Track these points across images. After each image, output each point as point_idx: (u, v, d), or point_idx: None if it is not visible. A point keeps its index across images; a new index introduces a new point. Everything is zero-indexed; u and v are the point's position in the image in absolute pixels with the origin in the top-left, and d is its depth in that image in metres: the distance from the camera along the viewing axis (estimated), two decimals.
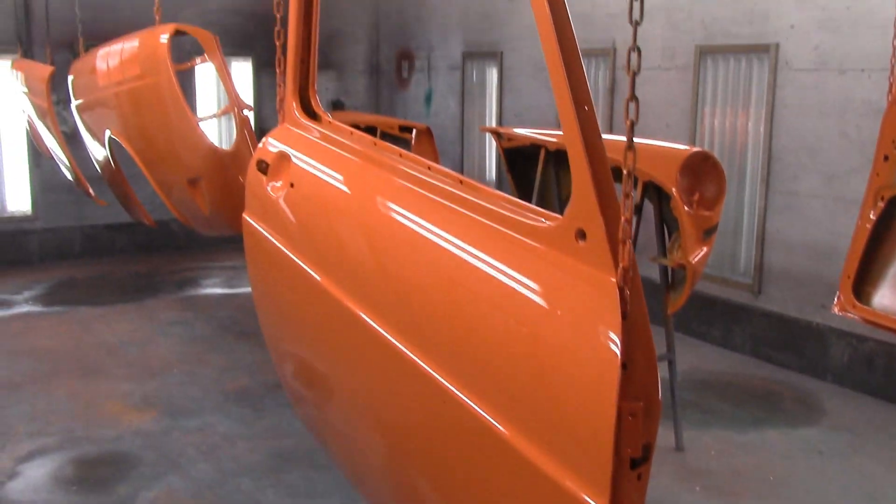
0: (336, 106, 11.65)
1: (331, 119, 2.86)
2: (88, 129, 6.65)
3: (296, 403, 3.46)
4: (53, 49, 9.73)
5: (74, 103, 6.74)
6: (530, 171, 5.74)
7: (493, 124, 9.72)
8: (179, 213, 6.36)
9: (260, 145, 3.12)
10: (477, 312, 1.89)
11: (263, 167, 2.99)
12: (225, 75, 4.64)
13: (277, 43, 5.56)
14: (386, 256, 2.31)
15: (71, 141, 8.45)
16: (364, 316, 2.30)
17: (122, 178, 7.14)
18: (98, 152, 7.10)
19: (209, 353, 7.02)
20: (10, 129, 9.96)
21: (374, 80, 11.99)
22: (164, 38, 4.82)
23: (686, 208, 4.37)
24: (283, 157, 2.95)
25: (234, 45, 10.94)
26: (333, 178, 2.69)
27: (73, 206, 10.31)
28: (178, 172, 5.35)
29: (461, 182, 2.08)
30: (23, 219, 10.11)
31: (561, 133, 2.66)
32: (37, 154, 10.02)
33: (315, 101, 3.05)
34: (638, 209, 4.95)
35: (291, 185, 2.83)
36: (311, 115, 2.99)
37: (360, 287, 2.36)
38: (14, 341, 7.27)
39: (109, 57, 5.18)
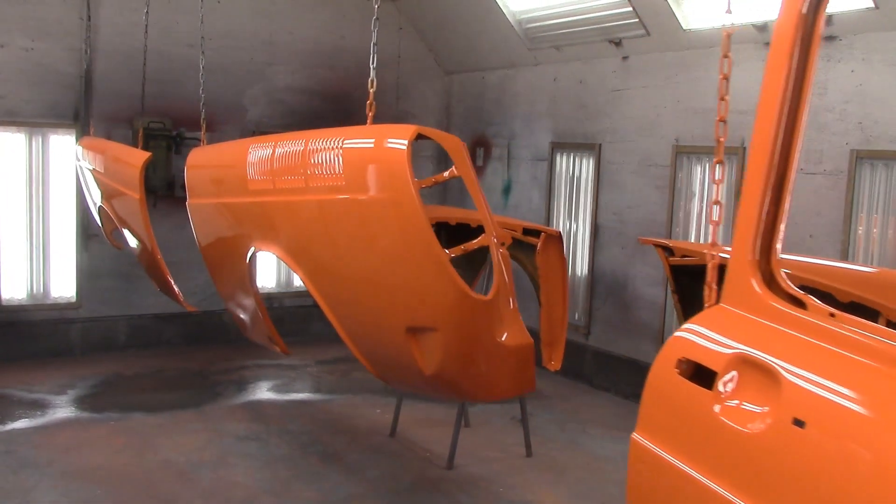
0: None
1: (821, 305, 1.96)
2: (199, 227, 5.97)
3: None
4: (111, 124, 9.06)
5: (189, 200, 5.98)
6: (698, 290, 4.89)
7: (588, 220, 8.95)
8: (370, 363, 4.52)
9: (681, 334, 2.18)
10: None
11: (689, 370, 2.08)
12: (478, 195, 3.64)
13: (370, 115, 4.81)
14: None
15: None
16: None
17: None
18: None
19: (295, 481, 6.09)
20: (60, 208, 9.18)
21: (443, 168, 11.26)
22: (404, 144, 3.43)
23: None
24: (751, 365, 1.99)
25: (301, 124, 10.25)
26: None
27: (120, 293, 9.48)
28: (398, 317, 3.87)
29: None
30: (66, 306, 9.26)
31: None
32: (86, 236, 9.23)
33: (781, 274, 2.16)
34: None
35: (797, 423, 1.83)
36: (783, 295, 2.08)
37: None
38: (65, 459, 6.34)
39: (288, 156, 4.11)
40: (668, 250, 5.07)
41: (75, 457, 6.40)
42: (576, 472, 6.49)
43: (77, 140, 8.99)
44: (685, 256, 4.94)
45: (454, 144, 3.69)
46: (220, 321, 9.84)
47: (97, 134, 8.49)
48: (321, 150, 3.66)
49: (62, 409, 7.54)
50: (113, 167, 6.23)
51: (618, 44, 8.40)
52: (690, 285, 5.10)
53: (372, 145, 3.54)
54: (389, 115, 10.75)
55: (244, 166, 4.36)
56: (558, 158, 9.36)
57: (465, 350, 3.58)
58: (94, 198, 7.38)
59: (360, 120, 10.79)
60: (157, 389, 8.30)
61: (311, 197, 3.82)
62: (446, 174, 3.79)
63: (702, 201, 7.80)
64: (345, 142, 3.62)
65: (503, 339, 3.74)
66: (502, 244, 3.64)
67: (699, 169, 7.81)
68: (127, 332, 9.58)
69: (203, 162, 5.68)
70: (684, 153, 7.90)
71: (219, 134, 9.86)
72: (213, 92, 9.71)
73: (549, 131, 9.45)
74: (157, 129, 9.38)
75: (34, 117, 8.90)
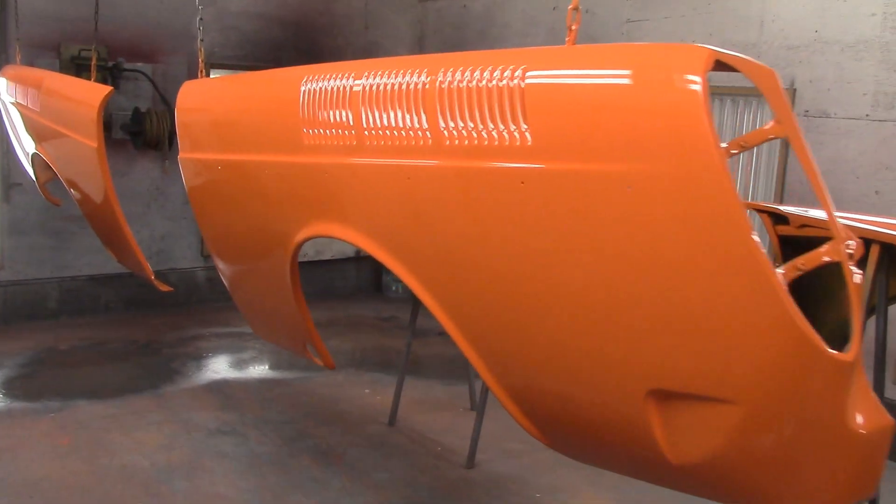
0: None
1: None
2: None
3: None
4: (33, 52, 7.57)
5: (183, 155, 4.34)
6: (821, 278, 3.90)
7: None
8: (543, 427, 2.90)
9: None
10: None
11: None
12: (813, 172, 2.19)
13: (572, 29, 3.17)
14: None
15: None
16: None
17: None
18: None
19: (290, 491, 4.99)
20: None
21: None
22: (696, 80, 1.96)
23: None
24: None
25: (257, 55, 8.91)
26: None
27: (49, 251, 8.10)
28: (635, 371, 2.30)
29: None
30: None
31: None
32: (6, 185, 7.79)
33: None
34: None
35: None
36: None
37: None
38: (1, 468, 5.10)
39: (393, 96, 2.58)
40: (779, 218, 4.07)
41: (10, 464, 5.16)
42: None
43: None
44: (804, 227, 3.95)
45: (770, 81, 2.15)
46: (165, 281, 8.55)
47: (22, 62, 7.02)
48: (473, 86, 2.25)
49: None
50: (55, 105, 4.86)
51: None
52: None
53: (626, 81, 1.98)
54: (358, 45, 9.47)
55: (294, 110, 2.95)
56: None
57: (784, 438, 2.13)
58: (24, 142, 5.99)
59: (328, 53, 9.50)
60: (101, 367, 7.04)
61: (444, 162, 2.38)
62: (768, 130, 2.15)
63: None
64: (533, 73, 2.16)
65: (855, 421, 2.26)
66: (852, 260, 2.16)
67: (734, 113, 6.84)
68: (58, 298, 8.22)
69: (208, 102, 4.09)
70: (715, 94, 6.91)
71: (163, 66, 8.46)
72: (155, 17, 8.30)
73: None
74: (89, 58, 7.92)
75: None
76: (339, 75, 2.78)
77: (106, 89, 4.24)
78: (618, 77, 2.01)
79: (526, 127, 2.16)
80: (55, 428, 5.74)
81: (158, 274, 8.17)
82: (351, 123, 2.71)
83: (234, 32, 8.77)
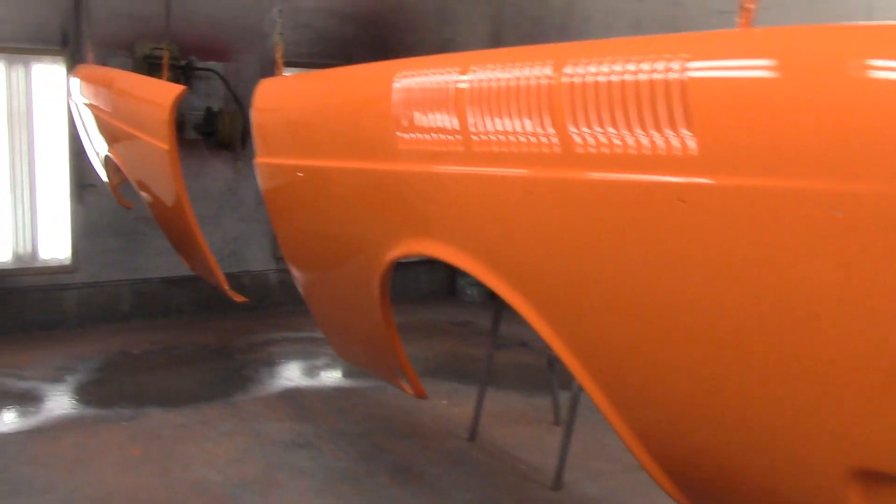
0: None
1: None
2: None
3: None
4: (107, 51, 7.46)
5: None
6: None
7: None
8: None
9: None
10: None
11: None
12: None
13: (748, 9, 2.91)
14: None
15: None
16: None
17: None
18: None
19: None
20: (48, 152, 7.64)
21: None
22: None
23: None
24: None
25: (329, 52, 8.70)
26: None
27: (122, 253, 8.02)
28: (838, 443, 1.77)
29: None
30: (59, 269, 7.79)
31: None
32: (80, 186, 7.72)
33: None
34: None
35: None
36: None
37: None
38: (70, 480, 4.95)
39: (509, 94, 2.21)
40: None
41: (81, 475, 5.01)
42: None
43: (70, 70, 7.43)
44: None
45: None
46: (237, 284, 8.41)
47: (95, 62, 6.92)
48: (616, 81, 1.82)
49: (61, 403, 6.14)
50: (126, 106, 4.68)
51: None
52: None
53: (836, 74, 1.52)
54: (432, 42, 9.20)
55: (385, 111, 2.59)
56: None
57: None
58: (97, 144, 5.86)
59: (401, 50, 9.25)
60: (174, 373, 6.90)
61: (574, 174, 1.97)
62: None
63: None
64: (699, 64, 1.72)
65: None
66: None
67: None
68: (130, 300, 8.14)
69: (287, 101, 3.73)
70: None
71: (234, 65, 8.30)
72: (227, 14, 8.14)
73: None
74: (161, 56, 7.80)
75: (13, 41, 7.31)
76: (440, 70, 2.42)
77: (178, 89, 4.00)
78: (823, 68, 1.56)
79: (689, 132, 1.74)
80: (127, 437, 5.58)
81: (230, 277, 8.04)
82: (455, 126, 2.33)
83: (308, 30, 8.57)
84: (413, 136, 2.50)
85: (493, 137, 2.22)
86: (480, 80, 2.27)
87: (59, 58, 7.49)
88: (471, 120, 2.27)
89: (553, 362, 5.66)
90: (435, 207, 2.50)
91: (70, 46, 7.50)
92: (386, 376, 4.06)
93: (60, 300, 7.79)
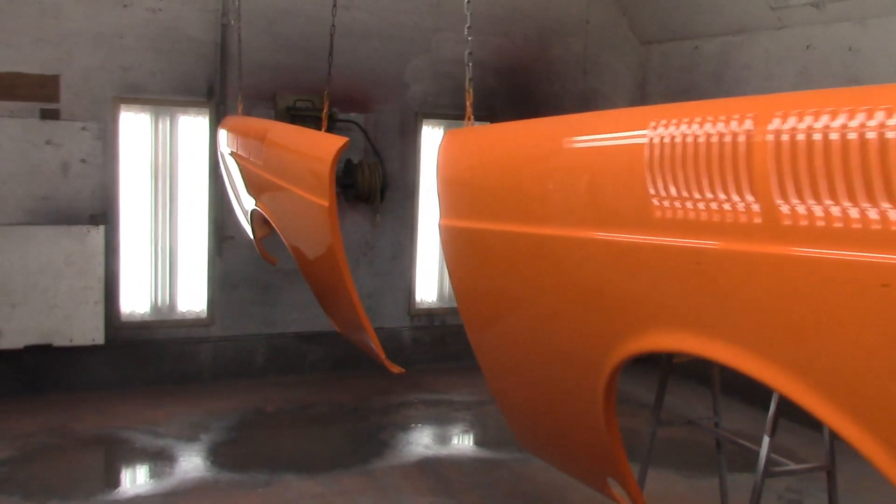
0: None
1: None
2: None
3: None
4: (249, 102, 7.38)
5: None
6: None
7: None
8: None
9: None
10: None
11: None
12: None
13: None
14: None
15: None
16: None
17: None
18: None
19: None
20: (190, 204, 7.59)
21: None
22: None
23: None
24: None
25: (472, 106, 8.40)
26: None
27: (258, 307, 7.86)
28: None
29: None
30: (195, 322, 7.69)
31: None
32: (220, 239, 7.63)
33: None
34: None
35: None
36: None
37: None
38: None
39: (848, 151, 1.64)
40: None
41: None
42: None
43: (215, 121, 7.40)
44: None
45: None
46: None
47: (243, 113, 6.82)
48: None
49: (195, 465, 5.92)
50: (279, 158, 4.44)
51: None
52: None
53: None
54: (576, 92, 8.83)
55: (634, 168, 2.09)
56: None
57: None
58: (242, 196, 5.69)
59: (544, 100, 8.88)
60: (309, 434, 6.62)
61: None
62: None
63: None
64: None
65: None
66: None
67: None
68: (265, 354, 7.96)
69: (484, 156, 3.19)
70: None
71: (375, 115, 8.13)
72: (368, 63, 7.98)
73: None
74: (305, 108, 7.70)
75: (161, 93, 7.32)
76: (722, 118, 1.89)
77: (340, 141, 3.68)
78: None
79: None
80: None
81: None
82: (750, 195, 1.82)
83: (448, 80, 8.34)
84: (680, 202, 1.99)
85: (816, 211, 1.68)
86: (795, 132, 1.74)
87: (205, 109, 7.47)
88: (775, 184, 1.75)
89: (722, 442, 5.07)
90: (709, 293, 1.97)
91: (215, 98, 7.47)
92: (593, 483, 3.52)
93: (196, 353, 7.68)
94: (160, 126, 7.41)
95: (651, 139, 2.02)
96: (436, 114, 8.35)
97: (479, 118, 8.50)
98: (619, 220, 2.08)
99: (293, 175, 4.16)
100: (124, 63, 7.17)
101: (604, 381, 2.39)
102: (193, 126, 7.52)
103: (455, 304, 8.84)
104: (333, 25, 5.03)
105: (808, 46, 7.26)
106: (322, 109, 7.68)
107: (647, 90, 9.15)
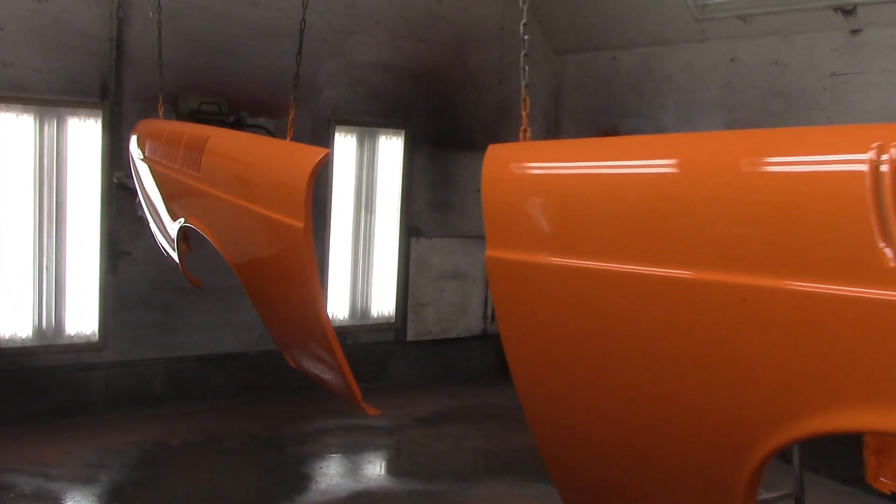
0: None
1: None
2: None
3: None
4: (146, 104, 6.71)
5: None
6: None
7: None
8: None
9: None
10: None
11: None
12: None
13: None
14: None
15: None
16: None
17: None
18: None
19: None
20: (78, 216, 6.83)
21: None
22: None
23: None
24: None
25: (384, 112, 8.01)
26: None
27: (156, 329, 7.17)
28: None
29: None
30: (85, 346, 6.92)
31: None
32: (113, 255, 6.90)
33: None
34: None
35: None
36: None
37: None
38: None
39: None
40: None
41: None
42: None
43: (112, 123, 6.71)
44: None
45: None
46: (279, 364, 7.57)
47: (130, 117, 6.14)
48: None
49: None
50: (230, 170, 3.84)
51: (848, 11, 6.26)
52: None
53: None
54: (491, 101, 8.53)
55: (850, 209, 1.63)
56: None
57: None
58: (159, 208, 5.05)
59: (460, 109, 8.53)
60: (223, 472, 6.01)
61: None
62: None
63: None
64: None
65: None
66: None
67: None
68: (164, 381, 7.26)
69: (549, 178, 2.58)
70: None
71: (285, 120, 7.56)
72: (278, 65, 7.42)
73: (722, 126, 7.29)
74: (211, 112, 7.08)
75: (47, 93, 6.56)
76: None
77: (318, 154, 3.15)
78: None
79: None
80: None
81: (269, 355, 7.26)
82: None
83: (362, 86, 7.88)
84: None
85: None
86: None
87: (97, 111, 6.73)
88: None
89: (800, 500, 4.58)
90: None
91: (110, 98, 6.75)
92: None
93: (87, 381, 6.91)
94: (46, 129, 6.63)
95: (880, 164, 1.60)
96: (349, 120, 7.88)
97: (393, 125, 8.11)
98: (828, 267, 1.65)
99: (253, 191, 3.58)
100: (4, 58, 6.38)
101: (749, 471, 1.90)
102: (84, 130, 6.77)
103: (368, 322, 8.37)
104: (304, 20, 4.47)
105: (732, 59, 7.21)
106: (227, 114, 7.13)
107: (560, 100, 8.97)
